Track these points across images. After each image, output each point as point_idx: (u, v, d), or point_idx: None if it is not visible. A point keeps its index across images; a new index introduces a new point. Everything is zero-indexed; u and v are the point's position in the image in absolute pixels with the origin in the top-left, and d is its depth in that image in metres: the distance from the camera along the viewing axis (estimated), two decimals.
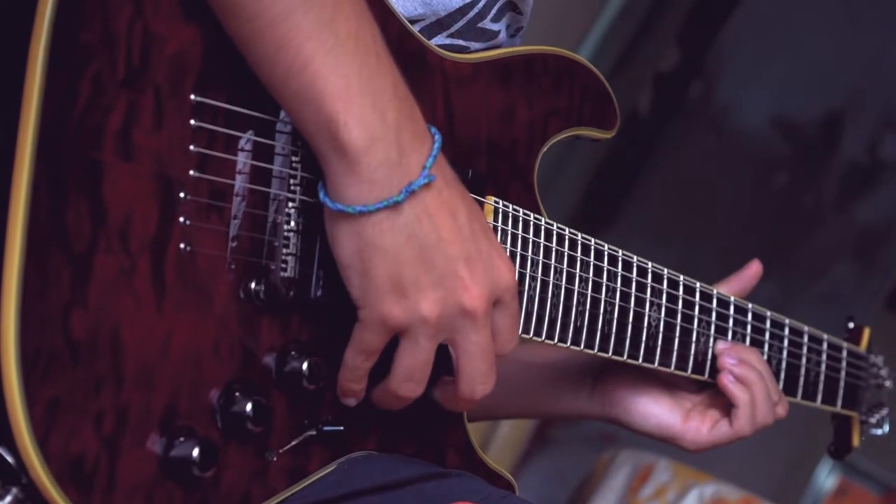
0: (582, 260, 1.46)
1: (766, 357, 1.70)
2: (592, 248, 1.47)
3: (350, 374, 1.24)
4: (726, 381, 1.59)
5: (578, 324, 1.45)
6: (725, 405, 1.62)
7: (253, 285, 1.19)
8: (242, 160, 1.18)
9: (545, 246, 1.42)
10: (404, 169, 1.17)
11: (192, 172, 1.14)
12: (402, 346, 1.22)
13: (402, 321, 1.20)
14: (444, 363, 1.26)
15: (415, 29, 1.34)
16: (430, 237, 1.19)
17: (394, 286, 1.18)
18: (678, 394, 1.63)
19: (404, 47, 1.29)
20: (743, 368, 1.60)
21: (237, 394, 1.17)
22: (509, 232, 1.38)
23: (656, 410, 1.62)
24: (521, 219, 1.40)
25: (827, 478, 4.67)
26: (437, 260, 1.19)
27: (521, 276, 1.39)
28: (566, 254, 1.44)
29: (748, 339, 1.67)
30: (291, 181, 1.21)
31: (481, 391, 1.27)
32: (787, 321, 1.75)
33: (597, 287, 1.48)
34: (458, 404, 1.30)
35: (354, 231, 1.18)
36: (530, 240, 1.40)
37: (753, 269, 1.73)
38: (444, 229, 1.20)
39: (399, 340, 1.22)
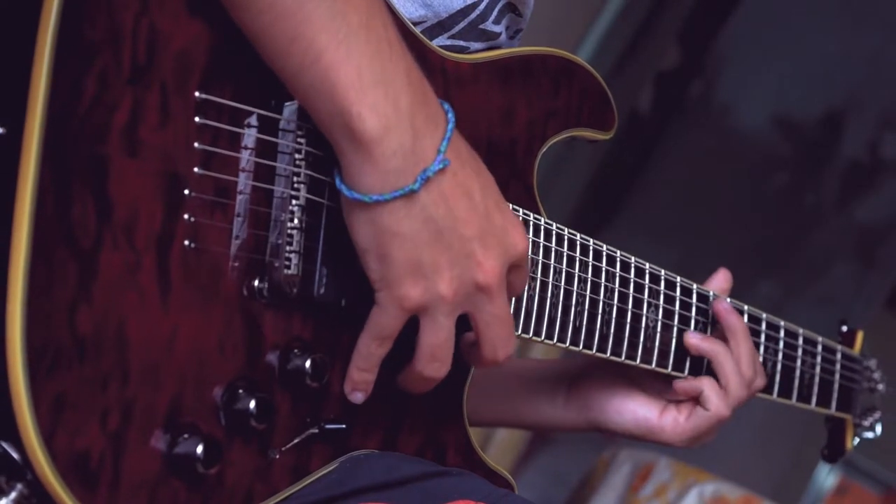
0: (581, 260, 1.46)
1: (761, 359, 1.70)
2: (591, 248, 1.48)
3: (363, 362, 1.25)
4: (679, 384, 1.60)
5: (577, 324, 1.46)
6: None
7: (256, 283, 1.19)
8: (246, 157, 1.19)
9: (545, 246, 1.42)
10: (419, 155, 1.18)
11: (196, 169, 1.14)
12: (424, 326, 1.24)
13: (420, 301, 1.21)
14: (463, 326, 1.27)
15: (416, 30, 1.34)
16: (446, 220, 1.20)
17: (412, 269, 1.20)
18: (654, 392, 1.63)
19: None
20: (706, 343, 1.60)
21: (241, 391, 1.17)
22: None
23: (631, 406, 1.62)
24: (520, 219, 1.40)
25: (827, 476, 4.67)
26: (453, 241, 1.21)
27: None
28: (565, 254, 1.45)
29: None
30: (295, 179, 1.21)
31: (504, 354, 1.30)
32: (782, 323, 1.75)
33: (595, 287, 1.48)
34: (483, 365, 1.33)
35: (371, 219, 1.19)
36: (530, 240, 1.40)
37: (721, 278, 1.71)
38: (460, 210, 1.21)
39: (419, 322, 1.23)
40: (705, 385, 1.59)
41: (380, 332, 1.23)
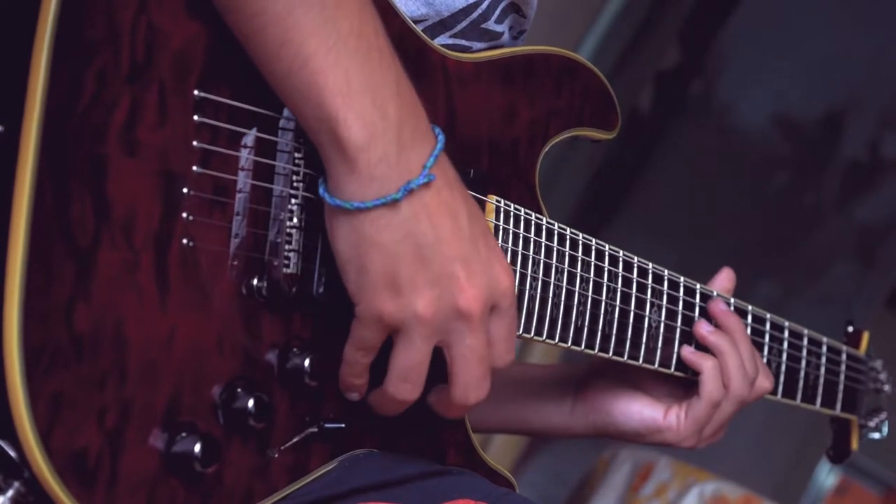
0: (583, 260, 1.46)
1: (765, 360, 1.70)
2: (593, 248, 1.48)
3: (350, 370, 1.24)
4: (686, 352, 1.59)
5: (579, 324, 1.46)
6: None
7: (255, 282, 1.19)
8: (245, 156, 1.18)
9: (546, 245, 1.42)
10: (404, 166, 1.17)
11: (195, 168, 1.14)
12: (397, 346, 1.21)
13: (396, 318, 1.19)
14: (440, 371, 1.25)
15: (417, 28, 1.34)
16: (428, 236, 1.18)
17: (389, 282, 1.18)
18: (658, 395, 1.63)
19: (406, 46, 1.29)
20: (714, 337, 1.60)
21: (239, 390, 1.17)
22: (511, 231, 1.38)
23: (637, 407, 1.62)
24: (522, 218, 1.40)
25: (827, 476, 4.67)
26: (434, 259, 1.19)
27: (523, 275, 1.39)
28: (567, 254, 1.44)
29: None
30: (294, 178, 1.21)
31: (475, 397, 1.25)
32: (786, 323, 1.75)
33: (597, 287, 1.48)
34: (451, 410, 1.29)
35: (352, 227, 1.18)
36: (531, 239, 1.40)
37: (724, 277, 1.71)
38: (443, 229, 1.19)
39: (393, 342, 1.22)
40: (707, 365, 1.58)
41: (361, 344, 1.22)
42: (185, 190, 1.13)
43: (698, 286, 1.62)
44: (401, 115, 1.17)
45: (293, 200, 1.21)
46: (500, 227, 1.37)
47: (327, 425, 1.25)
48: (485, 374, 1.24)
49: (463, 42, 1.43)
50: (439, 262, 1.19)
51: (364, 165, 1.16)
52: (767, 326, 1.71)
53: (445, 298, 1.19)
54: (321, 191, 1.19)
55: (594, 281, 1.47)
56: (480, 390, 1.25)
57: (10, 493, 1.05)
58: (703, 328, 1.60)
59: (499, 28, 1.46)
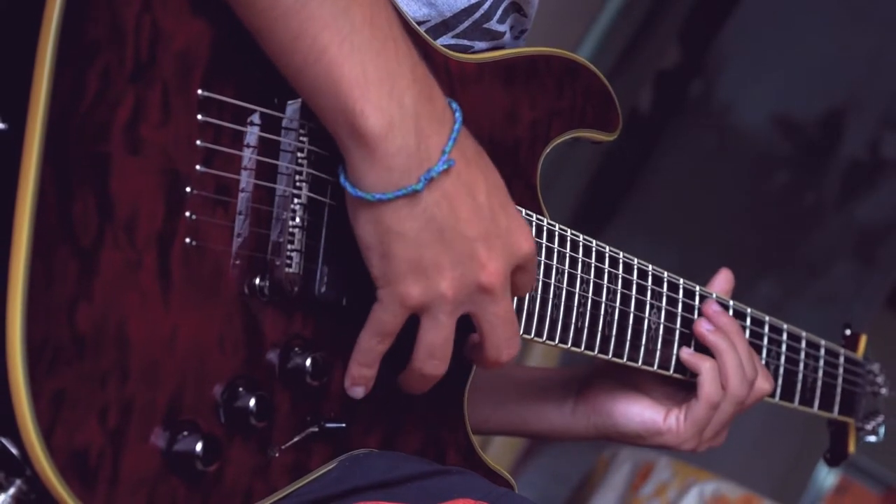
0: (583, 261, 1.46)
1: (764, 362, 1.70)
2: (594, 249, 1.48)
3: (363, 357, 1.25)
4: (684, 353, 1.59)
5: (579, 325, 1.46)
6: None
7: (258, 281, 1.19)
8: (248, 155, 1.19)
9: (547, 247, 1.42)
10: (423, 154, 1.18)
11: (198, 167, 1.14)
12: (423, 324, 1.24)
13: (421, 300, 1.21)
14: (467, 326, 1.27)
15: (420, 29, 1.34)
16: (449, 220, 1.20)
17: (413, 267, 1.20)
18: (660, 397, 1.63)
19: None
20: (713, 336, 1.60)
21: (241, 389, 1.17)
22: None
23: (637, 409, 1.62)
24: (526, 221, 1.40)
25: (827, 476, 4.67)
26: (455, 241, 1.21)
27: None
28: (568, 255, 1.45)
29: None
30: (297, 177, 1.21)
31: (507, 355, 1.30)
32: (785, 326, 1.75)
33: (597, 289, 1.48)
34: (487, 365, 1.32)
35: (374, 217, 1.19)
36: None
37: (722, 279, 1.72)
38: (463, 210, 1.21)
39: (419, 320, 1.23)
40: (705, 367, 1.59)
41: (381, 329, 1.23)
42: (188, 189, 1.13)
43: (698, 288, 1.62)
44: (417, 104, 1.18)
45: (296, 200, 1.21)
46: None
47: (328, 425, 1.25)
48: (514, 332, 1.29)
49: (465, 42, 1.43)
50: (460, 243, 1.21)
51: (382, 156, 1.16)
52: (766, 329, 1.72)
53: (468, 276, 1.22)
54: (342, 180, 1.19)
55: (594, 282, 1.48)
56: (511, 348, 1.30)
57: (11, 490, 1.05)
58: (702, 326, 1.60)
59: (501, 28, 1.46)
